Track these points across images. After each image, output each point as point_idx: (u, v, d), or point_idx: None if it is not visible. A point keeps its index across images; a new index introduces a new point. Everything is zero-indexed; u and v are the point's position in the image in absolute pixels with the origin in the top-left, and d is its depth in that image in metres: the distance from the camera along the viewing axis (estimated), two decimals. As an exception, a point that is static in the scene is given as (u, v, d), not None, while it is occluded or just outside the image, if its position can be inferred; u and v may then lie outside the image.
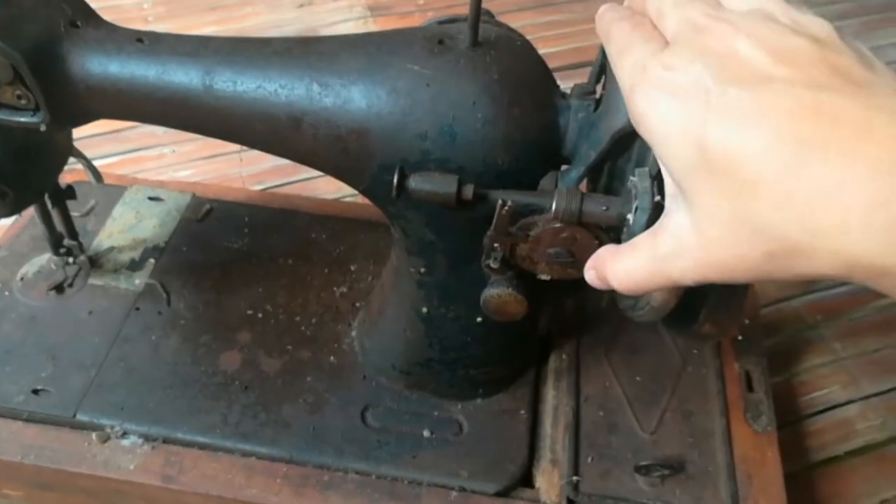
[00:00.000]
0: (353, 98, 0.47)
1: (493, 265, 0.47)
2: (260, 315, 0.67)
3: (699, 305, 0.50)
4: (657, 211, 0.41)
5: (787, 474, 0.68)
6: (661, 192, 0.41)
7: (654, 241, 0.36)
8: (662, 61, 0.34)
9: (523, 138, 0.46)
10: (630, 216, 0.41)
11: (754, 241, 0.30)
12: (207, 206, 0.77)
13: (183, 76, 0.49)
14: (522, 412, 0.61)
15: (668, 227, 0.36)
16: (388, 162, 0.47)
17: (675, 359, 0.65)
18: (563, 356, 0.65)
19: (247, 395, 0.61)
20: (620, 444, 0.59)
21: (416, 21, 1.28)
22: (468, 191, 0.44)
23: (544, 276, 0.48)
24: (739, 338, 0.67)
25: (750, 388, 0.64)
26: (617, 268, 0.39)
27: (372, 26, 1.28)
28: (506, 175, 0.46)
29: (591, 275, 0.41)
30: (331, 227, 0.75)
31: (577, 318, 0.67)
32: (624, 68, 0.37)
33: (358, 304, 0.68)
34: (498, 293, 0.50)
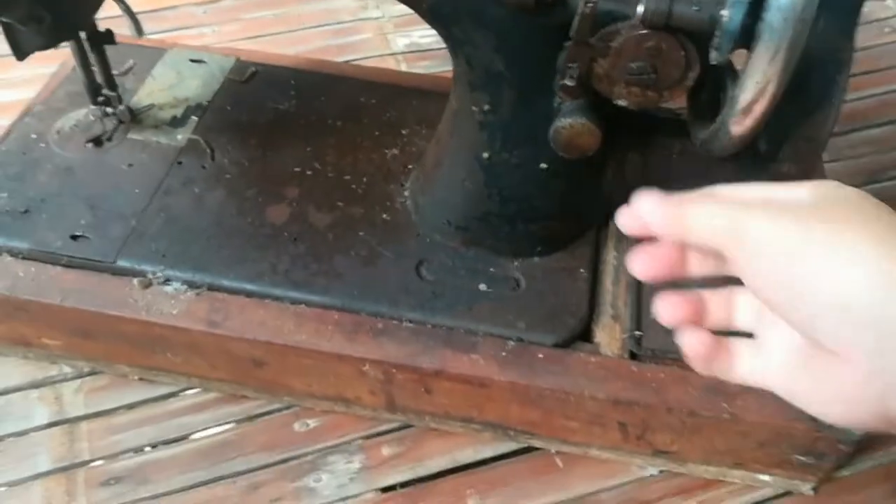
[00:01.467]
0: None
1: (569, 83, 0.44)
2: (308, 172, 0.64)
3: (780, 142, 0.47)
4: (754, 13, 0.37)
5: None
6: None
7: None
8: None
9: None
10: (725, 13, 0.38)
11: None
12: (252, 68, 0.73)
13: None
14: (582, 270, 0.58)
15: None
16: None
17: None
18: (625, 219, 0.61)
19: (296, 246, 0.58)
20: (686, 305, 0.56)
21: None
22: (551, -12, 0.40)
23: (622, 102, 0.45)
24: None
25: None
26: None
27: None
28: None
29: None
30: (381, 93, 0.72)
31: (640, 176, 0.63)
32: None
33: (410, 167, 0.64)
34: (571, 122, 0.47)
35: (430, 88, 0.72)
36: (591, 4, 0.40)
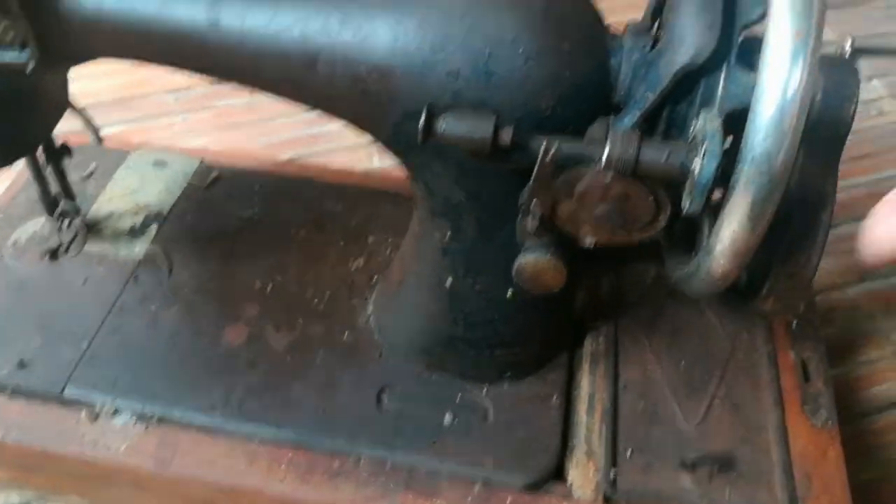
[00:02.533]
0: (376, 32, 0.41)
1: (531, 227, 0.41)
2: (269, 287, 0.61)
3: (762, 278, 0.44)
4: (727, 158, 0.35)
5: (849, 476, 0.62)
6: (733, 134, 0.35)
7: None
8: None
9: (571, 79, 0.40)
10: (696, 163, 0.36)
11: None
12: (216, 172, 0.71)
13: (186, 9, 0.43)
14: (555, 398, 0.55)
15: None
16: (414, 105, 0.41)
17: (722, 343, 0.59)
18: (600, 339, 0.59)
19: (252, 372, 0.55)
20: (662, 437, 0.53)
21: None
22: (506, 134, 0.38)
23: (588, 242, 0.42)
24: (794, 323, 0.61)
25: (807, 378, 0.58)
26: None
27: None
28: (549, 121, 0.41)
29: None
30: (348, 197, 0.69)
31: (614, 298, 0.61)
32: None
33: (375, 278, 0.62)
34: (534, 259, 0.44)
35: (399, 190, 0.70)
36: (551, 153, 0.37)
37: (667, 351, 0.58)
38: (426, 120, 0.38)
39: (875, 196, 0.98)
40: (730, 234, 0.37)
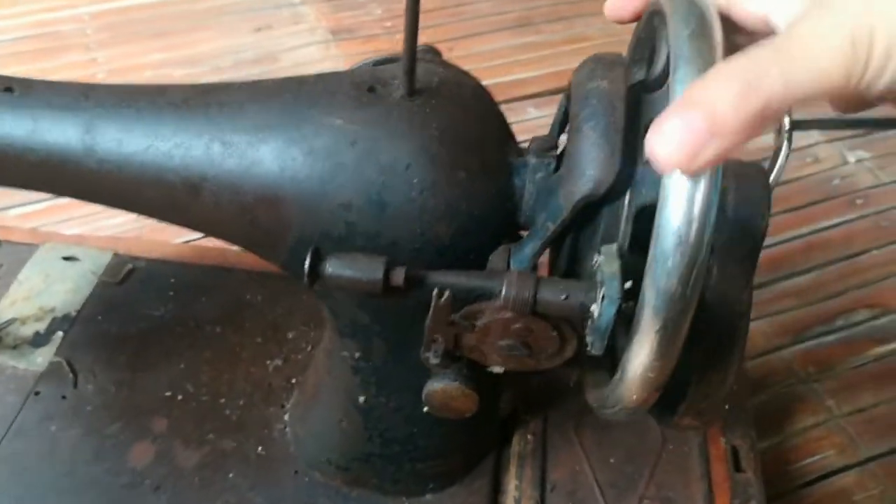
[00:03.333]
0: (263, 160, 0.39)
1: (434, 360, 0.39)
2: (179, 397, 0.58)
3: (678, 398, 0.43)
4: (628, 299, 0.33)
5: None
6: (632, 276, 0.34)
7: None
8: None
9: (469, 207, 0.39)
10: (595, 307, 0.34)
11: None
12: (129, 265, 0.68)
13: (59, 134, 0.40)
14: (480, 508, 0.52)
15: None
16: (307, 235, 0.39)
17: (653, 436, 0.57)
18: (528, 437, 0.57)
19: (157, 498, 0.52)
20: (593, 543, 0.51)
21: (381, 45, 1.20)
22: (398, 276, 0.36)
23: (497, 370, 0.40)
24: (726, 406, 0.60)
25: (738, 466, 0.57)
26: None
27: (335, 51, 1.20)
28: (449, 251, 0.39)
29: None
30: (269, 286, 0.66)
31: (544, 393, 0.59)
32: None
33: (294, 381, 0.59)
34: (442, 388, 0.42)
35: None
36: (444, 298, 0.35)
37: (597, 447, 0.57)
38: (311, 263, 0.36)
39: (813, 248, 0.97)
40: (639, 365, 0.35)
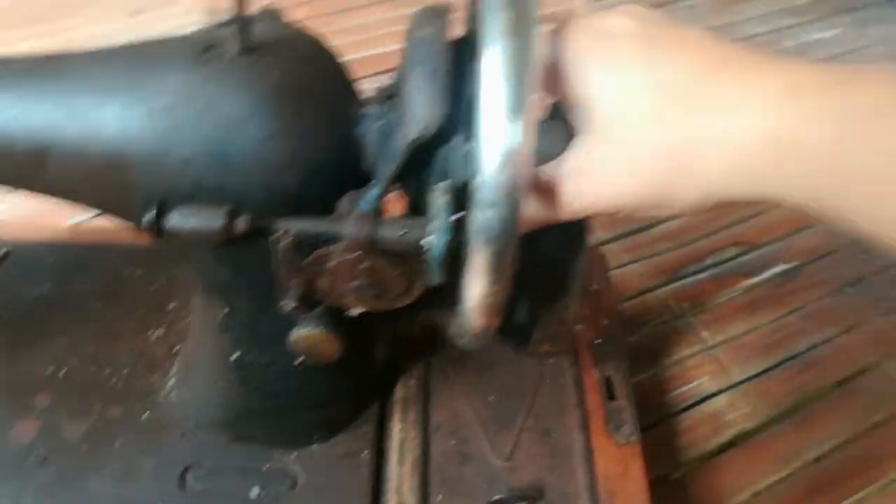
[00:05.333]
0: (107, 122, 0.40)
1: (289, 307, 0.41)
2: (62, 372, 0.58)
3: (530, 327, 0.46)
4: (460, 231, 0.35)
5: (659, 478, 0.65)
6: (464, 206, 0.36)
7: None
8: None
9: (313, 155, 0.40)
10: (428, 240, 0.36)
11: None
12: (4, 249, 0.67)
13: None
14: (365, 453, 0.54)
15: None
16: (154, 195, 0.40)
17: (531, 373, 0.60)
18: (411, 382, 0.59)
19: (44, 470, 0.52)
20: (474, 476, 0.54)
21: (259, 24, 1.19)
22: (242, 223, 0.37)
23: (355, 312, 0.42)
24: (598, 341, 0.63)
25: (611, 395, 0.60)
26: None
27: (214, 32, 1.18)
28: (296, 200, 0.40)
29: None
30: (148, 260, 0.67)
31: (427, 338, 0.61)
32: None
33: (176, 348, 0.60)
34: (305, 333, 0.43)
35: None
36: (285, 241, 0.37)
37: (478, 386, 0.59)
38: (155, 218, 0.37)
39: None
40: (475, 293, 0.37)
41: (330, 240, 0.38)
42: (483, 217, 0.33)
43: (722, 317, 0.80)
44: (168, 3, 1.24)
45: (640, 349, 0.75)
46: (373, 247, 0.37)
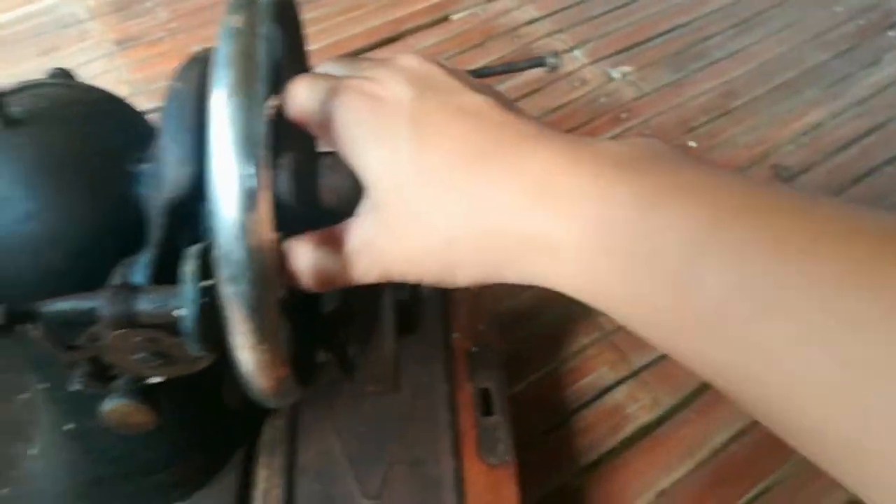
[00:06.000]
0: None
1: (82, 386, 0.39)
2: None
3: (351, 368, 0.44)
4: (211, 300, 0.34)
5: (557, 489, 0.64)
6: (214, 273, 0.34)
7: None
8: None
9: (80, 229, 0.38)
10: (180, 312, 0.34)
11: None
12: None
13: None
14: (229, 507, 0.53)
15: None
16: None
17: (402, 396, 0.59)
18: (279, 422, 0.57)
19: None
20: (342, 519, 0.53)
21: (166, 49, 1.17)
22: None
23: (157, 380, 0.41)
24: (474, 349, 0.62)
25: (488, 410, 0.59)
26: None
27: (119, 61, 1.16)
28: (68, 277, 0.38)
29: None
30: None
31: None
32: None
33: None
34: (112, 407, 0.42)
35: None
36: (37, 329, 0.35)
37: (348, 418, 0.58)
38: None
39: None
40: (244, 357, 0.35)
41: (94, 318, 0.37)
42: (229, 290, 0.32)
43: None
44: (80, 38, 1.22)
45: (538, 342, 0.74)
46: (131, 323, 0.35)
